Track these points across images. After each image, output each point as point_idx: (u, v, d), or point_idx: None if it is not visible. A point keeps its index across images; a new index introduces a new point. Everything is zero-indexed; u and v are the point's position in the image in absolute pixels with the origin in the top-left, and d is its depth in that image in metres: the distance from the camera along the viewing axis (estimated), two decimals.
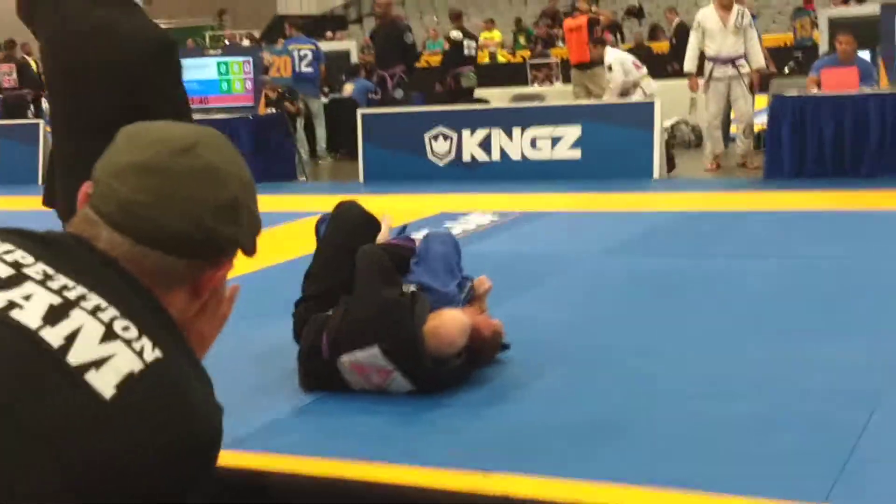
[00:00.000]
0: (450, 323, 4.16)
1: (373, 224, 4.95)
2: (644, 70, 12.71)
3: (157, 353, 1.14)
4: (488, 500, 1.22)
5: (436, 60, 23.14)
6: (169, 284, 1.23)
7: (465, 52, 14.33)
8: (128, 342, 1.12)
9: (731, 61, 10.82)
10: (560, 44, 20.77)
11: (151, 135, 1.27)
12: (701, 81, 11.07)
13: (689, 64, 10.94)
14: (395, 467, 3.61)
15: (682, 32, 18.36)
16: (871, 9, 11.82)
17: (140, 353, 1.13)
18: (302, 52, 13.58)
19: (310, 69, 13.54)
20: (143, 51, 3.25)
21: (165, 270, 1.22)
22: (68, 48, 3.35)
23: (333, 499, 1.32)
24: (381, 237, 4.97)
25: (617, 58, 12.56)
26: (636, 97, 12.19)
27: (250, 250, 1.30)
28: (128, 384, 1.10)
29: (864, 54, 10.86)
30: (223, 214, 1.23)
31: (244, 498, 1.30)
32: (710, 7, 10.96)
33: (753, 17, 13.76)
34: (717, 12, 10.85)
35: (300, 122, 13.61)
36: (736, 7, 10.84)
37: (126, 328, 1.14)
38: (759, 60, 10.96)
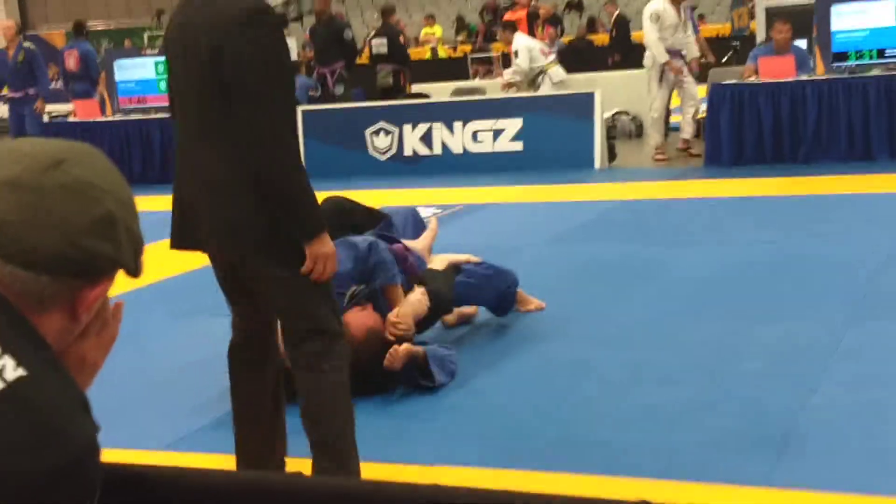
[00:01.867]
0: None
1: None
2: (552, 57, 12.76)
3: (21, 372, 1.07)
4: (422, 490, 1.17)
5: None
6: (43, 306, 1.15)
7: (375, 50, 14.21)
8: None
9: (679, 53, 10.93)
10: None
11: (18, 151, 1.19)
12: (652, 73, 11.09)
13: (663, 55, 10.88)
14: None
15: (621, 24, 18.50)
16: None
17: (0, 372, 1.06)
18: None
19: None
20: (232, 17, 2.92)
21: (38, 291, 1.15)
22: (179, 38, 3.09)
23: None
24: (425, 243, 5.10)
25: (524, 44, 12.58)
26: (545, 86, 12.25)
27: (134, 270, 1.23)
28: None
29: (801, 43, 10.97)
30: (97, 231, 1.17)
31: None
32: (664, 1, 10.90)
33: (692, 8, 13.91)
34: (671, 7, 10.86)
35: None
36: (683, 2, 10.96)
37: None
38: (694, 51, 11.15)
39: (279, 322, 3.21)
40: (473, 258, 5.10)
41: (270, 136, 2.89)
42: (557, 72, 12.53)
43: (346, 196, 5.23)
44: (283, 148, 2.92)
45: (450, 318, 5.06)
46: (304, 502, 1.21)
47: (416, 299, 4.45)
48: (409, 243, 4.93)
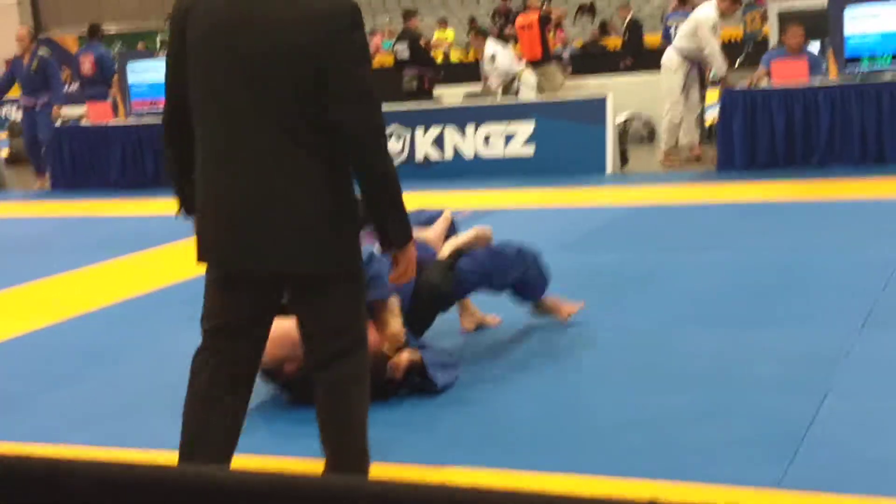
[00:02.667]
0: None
1: None
2: (523, 64, 12.94)
3: None
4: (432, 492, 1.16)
5: (389, 61, 23.12)
6: None
7: (398, 56, 14.24)
8: None
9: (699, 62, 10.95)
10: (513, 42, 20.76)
11: None
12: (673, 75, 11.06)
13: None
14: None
15: (634, 28, 18.48)
16: (820, 2, 11.91)
17: None
18: None
19: None
20: (329, 19, 2.83)
21: None
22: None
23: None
24: (438, 231, 5.00)
25: (500, 49, 12.75)
26: (524, 90, 12.38)
27: None
28: None
29: (814, 47, 10.95)
30: None
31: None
32: (715, 9, 10.77)
33: None
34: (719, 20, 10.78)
35: None
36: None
37: None
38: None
39: (312, 345, 3.05)
40: (483, 234, 4.96)
41: (380, 139, 2.91)
42: (529, 77, 12.62)
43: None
44: (388, 151, 2.96)
45: (467, 323, 5.03)
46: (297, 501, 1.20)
47: (395, 306, 4.32)
48: (420, 233, 4.75)
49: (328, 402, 3.04)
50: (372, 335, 4.15)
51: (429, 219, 5.17)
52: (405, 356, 4.15)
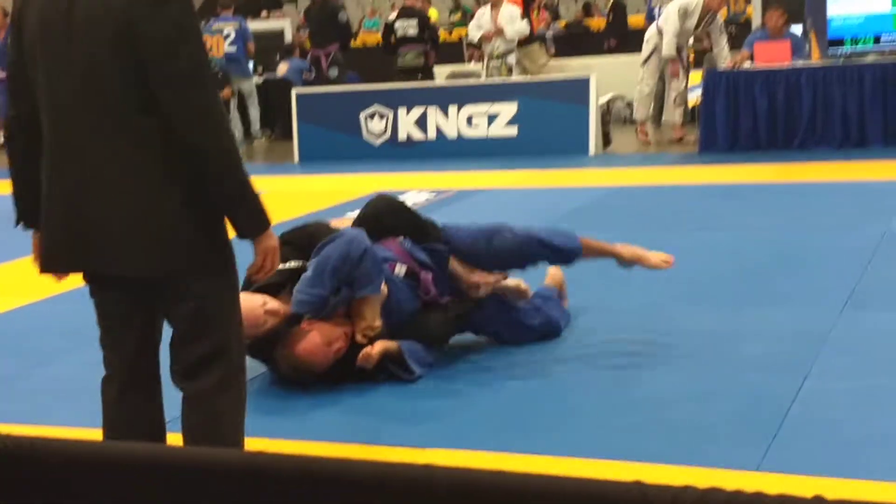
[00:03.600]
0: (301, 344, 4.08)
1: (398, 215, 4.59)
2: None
3: None
4: (414, 472, 1.16)
5: (373, 40, 23.05)
6: None
7: (400, 32, 14.15)
8: None
9: (681, 51, 10.95)
10: None
11: None
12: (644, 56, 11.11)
13: (672, 50, 10.80)
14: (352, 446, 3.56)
15: (618, 9, 18.47)
16: None
17: None
18: (226, 32, 13.34)
19: (233, 48, 13.27)
20: None
21: None
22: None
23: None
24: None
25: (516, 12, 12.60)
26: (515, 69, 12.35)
27: None
28: None
29: (796, 28, 10.97)
30: None
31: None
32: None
33: None
34: (701, 8, 10.75)
35: (233, 103, 13.42)
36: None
37: None
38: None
39: (172, 352, 2.80)
40: (523, 287, 4.73)
41: (212, 121, 2.60)
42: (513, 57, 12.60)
43: (399, 200, 4.83)
44: (226, 134, 2.64)
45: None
46: (264, 480, 1.20)
47: (375, 300, 4.19)
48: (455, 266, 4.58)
49: (192, 416, 2.76)
50: (341, 331, 4.11)
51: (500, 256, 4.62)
52: (378, 347, 4.11)
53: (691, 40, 12.05)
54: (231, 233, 2.74)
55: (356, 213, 4.74)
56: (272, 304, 4.05)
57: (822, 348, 4.24)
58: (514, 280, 4.74)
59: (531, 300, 4.69)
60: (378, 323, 4.16)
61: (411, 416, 3.88)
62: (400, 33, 13.88)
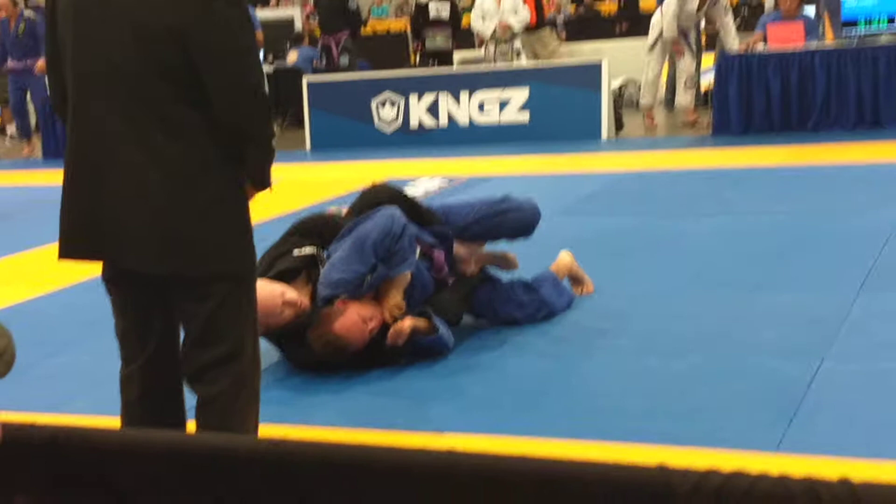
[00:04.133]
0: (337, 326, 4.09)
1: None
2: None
3: None
4: (436, 458, 1.16)
5: (383, 27, 23.02)
6: None
7: (433, 14, 14.09)
8: None
9: (685, 32, 10.87)
10: None
11: None
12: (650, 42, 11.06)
13: (672, 31, 10.77)
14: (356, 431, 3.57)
15: None
16: None
17: None
18: None
19: None
20: None
21: None
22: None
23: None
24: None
25: None
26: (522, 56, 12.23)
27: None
28: None
29: (809, 10, 10.90)
30: None
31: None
32: None
33: None
34: None
35: None
36: None
37: None
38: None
39: (184, 352, 2.78)
40: (510, 256, 4.85)
41: (264, 133, 2.65)
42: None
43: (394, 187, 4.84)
44: (271, 134, 2.71)
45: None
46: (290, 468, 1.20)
47: (401, 280, 4.23)
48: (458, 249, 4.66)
49: (206, 417, 2.73)
50: (374, 311, 4.13)
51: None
52: (408, 322, 4.15)
53: (703, 23, 12.00)
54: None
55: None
56: (291, 294, 4.05)
57: (839, 331, 4.23)
58: (500, 251, 4.82)
59: (524, 281, 4.70)
60: (403, 303, 4.19)
61: (429, 399, 3.88)
62: (433, 15, 13.80)
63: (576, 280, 4.99)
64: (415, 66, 14.50)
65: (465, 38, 16.14)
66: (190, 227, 2.59)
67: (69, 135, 2.68)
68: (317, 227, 4.37)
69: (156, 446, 1.32)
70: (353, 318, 4.06)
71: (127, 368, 2.84)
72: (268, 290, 3.90)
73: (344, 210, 4.63)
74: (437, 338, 4.21)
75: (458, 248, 4.62)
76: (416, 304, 4.29)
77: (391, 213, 4.17)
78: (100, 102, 2.59)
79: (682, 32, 10.87)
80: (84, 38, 2.59)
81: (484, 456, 1.08)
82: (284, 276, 4.11)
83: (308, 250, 4.23)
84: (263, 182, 2.76)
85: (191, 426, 2.79)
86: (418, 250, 4.38)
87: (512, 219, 4.68)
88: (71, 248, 2.71)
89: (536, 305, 4.65)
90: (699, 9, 10.78)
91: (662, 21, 10.86)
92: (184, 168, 2.57)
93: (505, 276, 4.82)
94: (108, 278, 2.80)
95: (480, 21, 12.25)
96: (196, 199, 2.58)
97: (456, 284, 4.56)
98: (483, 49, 12.70)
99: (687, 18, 10.83)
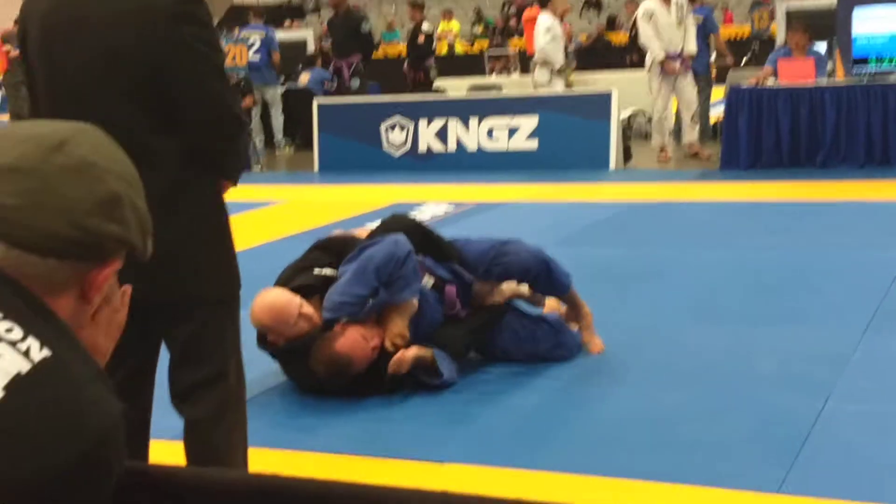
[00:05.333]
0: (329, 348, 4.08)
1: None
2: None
3: (45, 353, 1.07)
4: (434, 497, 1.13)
5: (394, 51, 23.10)
6: (53, 289, 1.15)
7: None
8: (12, 343, 1.06)
9: (678, 56, 10.85)
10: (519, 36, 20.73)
11: (19, 134, 1.18)
12: (651, 74, 11.05)
13: (658, 51, 10.82)
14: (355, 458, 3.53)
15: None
16: (827, 1, 11.86)
17: (26, 353, 1.06)
18: (251, 40, 13.37)
19: (257, 57, 13.28)
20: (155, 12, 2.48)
21: (46, 274, 1.14)
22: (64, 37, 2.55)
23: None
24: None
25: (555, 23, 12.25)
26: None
27: (142, 250, 1.24)
28: (15, 384, 1.03)
29: (820, 46, 10.90)
30: (101, 211, 1.16)
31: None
32: (655, 1, 10.86)
33: (710, 8, 13.82)
34: (661, 6, 10.82)
35: (255, 111, 13.45)
36: (674, 0, 10.85)
37: (9, 330, 1.07)
38: (690, 47, 10.97)
39: (171, 374, 2.75)
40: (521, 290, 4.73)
41: (236, 147, 2.66)
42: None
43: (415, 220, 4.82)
44: (237, 106, 2.67)
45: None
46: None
47: (406, 307, 4.20)
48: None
49: (191, 448, 2.71)
50: (375, 332, 4.12)
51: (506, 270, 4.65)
52: (412, 351, 4.10)
53: (713, 56, 11.99)
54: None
55: (374, 225, 4.71)
56: (308, 308, 4.06)
57: (842, 369, 4.18)
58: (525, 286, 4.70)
59: (546, 320, 4.62)
60: (407, 332, 4.15)
61: (430, 429, 3.85)
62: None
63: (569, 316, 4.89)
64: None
65: (472, 64, 16.17)
66: (171, 251, 2.51)
67: None
68: (338, 247, 4.38)
69: (158, 480, 1.29)
70: (355, 337, 4.04)
71: None
72: (285, 299, 3.94)
73: (363, 232, 4.63)
74: (440, 382, 4.15)
75: (481, 285, 4.58)
76: (422, 335, 4.25)
77: (396, 239, 4.16)
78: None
79: (677, 55, 10.81)
80: (56, 66, 2.57)
81: (478, 497, 1.05)
82: (301, 291, 4.11)
83: (328, 272, 4.25)
84: (236, 179, 2.77)
85: (178, 447, 2.75)
86: (430, 282, 4.36)
87: (515, 262, 4.57)
88: None
89: (556, 351, 4.55)
90: (679, 23, 10.76)
91: (647, 47, 10.87)
92: (162, 194, 2.50)
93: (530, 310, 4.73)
94: None
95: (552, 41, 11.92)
96: (176, 223, 2.55)
97: (468, 318, 4.48)
98: (494, 75, 12.73)
99: (667, 34, 10.75)
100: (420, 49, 14.89)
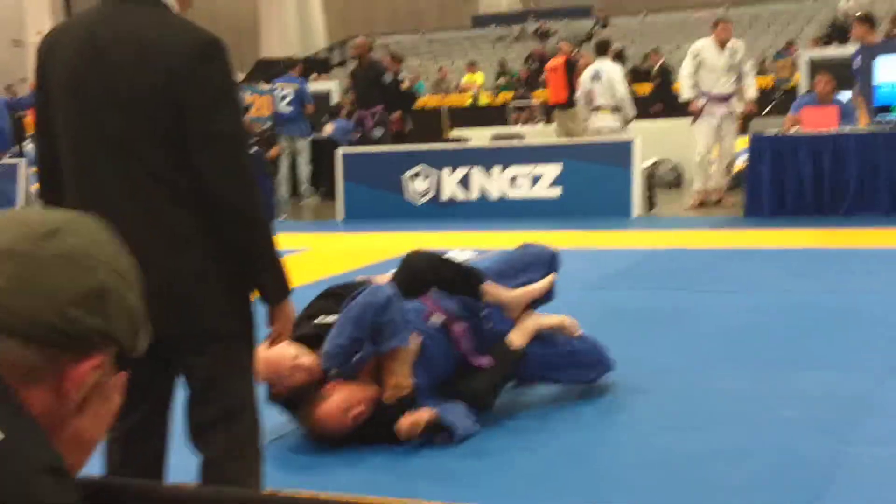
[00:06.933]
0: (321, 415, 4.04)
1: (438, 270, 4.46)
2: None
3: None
4: None
5: (418, 104, 23.25)
6: (31, 377, 1.12)
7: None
8: None
9: (725, 98, 10.87)
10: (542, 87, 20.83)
11: (15, 219, 1.18)
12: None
13: (687, 90, 10.90)
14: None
15: (664, 73, 18.48)
16: (851, 50, 11.88)
17: None
18: (284, 91, 13.53)
19: (289, 108, 13.45)
20: (178, 55, 2.52)
21: (24, 361, 1.12)
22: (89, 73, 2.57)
23: None
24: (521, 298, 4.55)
25: (608, 66, 12.35)
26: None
27: (130, 346, 1.21)
28: None
29: (844, 95, 10.91)
30: (86, 302, 1.14)
31: None
32: (709, 40, 10.96)
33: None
34: (713, 47, 10.88)
35: (285, 162, 13.55)
36: (730, 43, 10.91)
37: None
38: (751, 93, 11.00)
39: (187, 411, 2.73)
40: (571, 325, 4.58)
41: (246, 183, 2.57)
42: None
43: (436, 253, 4.71)
44: (258, 197, 2.61)
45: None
46: None
47: (405, 354, 4.10)
48: (501, 293, 4.47)
49: (204, 482, 2.69)
50: (368, 391, 4.01)
51: (527, 265, 4.71)
52: (424, 415, 4.00)
53: (732, 84, 11.94)
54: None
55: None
56: (305, 359, 4.00)
57: (864, 414, 4.14)
58: (556, 316, 4.59)
59: (577, 340, 4.55)
60: (408, 381, 4.05)
61: (446, 473, 3.82)
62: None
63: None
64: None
65: (496, 115, 16.27)
66: (189, 287, 2.58)
67: (67, 204, 2.61)
68: (345, 294, 4.33)
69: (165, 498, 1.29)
70: (331, 408, 3.96)
71: (111, 433, 2.75)
72: (277, 353, 3.84)
73: (386, 277, 4.55)
74: (449, 429, 4.04)
75: (506, 294, 4.46)
76: (433, 379, 4.18)
77: (375, 289, 4.05)
78: (96, 168, 2.58)
79: (720, 98, 10.83)
80: (78, 107, 2.58)
81: None
82: (304, 341, 4.05)
83: (331, 319, 4.17)
84: (277, 290, 2.68)
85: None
86: (440, 320, 4.27)
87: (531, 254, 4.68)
88: None
89: (596, 367, 4.57)
90: (729, 68, 10.78)
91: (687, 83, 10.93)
92: (182, 230, 2.56)
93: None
94: None
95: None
96: (195, 260, 2.57)
97: (493, 366, 4.33)
98: (519, 125, 12.79)
99: (709, 74, 10.80)
100: (403, 98, 14.75)
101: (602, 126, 11.80)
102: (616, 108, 11.80)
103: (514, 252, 4.82)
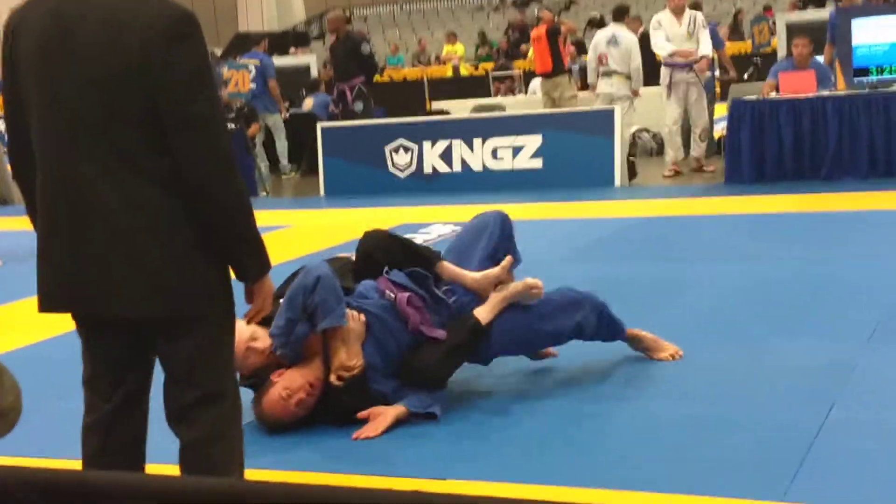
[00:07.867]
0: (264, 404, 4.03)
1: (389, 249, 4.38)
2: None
3: None
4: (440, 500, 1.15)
5: (398, 75, 23.21)
6: None
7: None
8: None
9: (689, 66, 10.91)
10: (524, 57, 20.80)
11: None
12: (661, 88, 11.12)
13: (664, 48, 10.96)
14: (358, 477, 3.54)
15: (644, 42, 18.44)
16: (828, 13, 11.89)
17: None
18: (248, 68, 13.45)
19: (253, 85, 13.35)
20: (150, 33, 2.47)
21: None
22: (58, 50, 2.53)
23: None
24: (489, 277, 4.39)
25: (622, 33, 12.37)
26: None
27: None
28: None
29: (821, 58, 10.93)
30: None
31: None
32: (666, 11, 11.07)
33: (714, 23, 13.85)
34: (672, 18, 10.96)
35: (259, 137, 13.50)
36: (688, 12, 10.98)
37: None
38: (705, 50, 10.99)
39: (165, 394, 2.74)
40: (535, 286, 4.36)
41: (225, 164, 2.55)
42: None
43: (392, 232, 4.60)
44: (237, 177, 2.58)
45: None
46: None
47: (349, 333, 4.01)
48: (466, 276, 4.37)
49: (186, 464, 2.70)
50: (310, 375, 3.97)
51: (479, 231, 4.66)
52: (390, 417, 3.97)
53: (717, 71, 12.05)
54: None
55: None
56: (260, 343, 3.98)
57: (848, 380, 4.18)
58: (520, 283, 4.41)
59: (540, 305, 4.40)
60: (355, 361, 4.00)
61: (427, 446, 3.85)
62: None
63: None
64: None
65: (477, 86, 16.21)
66: (169, 270, 2.57)
67: (40, 186, 2.62)
68: None
69: (153, 490, 1.30)
70: (275, 396, 3.94)
71: (89, 417, 2.80)
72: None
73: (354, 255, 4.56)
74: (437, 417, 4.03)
75: (470, 276, 4.36)
76: (387, 358, 4.10)
77: (307, 270, 4.02)
78: (71, 151, 2.55)
79: (684, 66, 10.90)
80: (49, 87, 2.54)
81: (452, 496, 1.06)
82: (266, 323, 3.94)
83: None
84: (256, 267, 2.69)
85: (175, 471, 2.77)
86: (394, 296, 4.15)
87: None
88: (50, 301, 2.67)
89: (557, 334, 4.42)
90: (690, 35, 10.85)
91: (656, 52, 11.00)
92: (160, 213, 2.55)
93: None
94: (84, 325, 2.76)
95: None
96: (174, 242, 2.56)
97: (446, 339, 4.16)
98: (499, 96, 12.78)
99: (679, 44, 10.86)
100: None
101: (613, 92, 11.84)
102: (628, 77, 11.89)
103: (465, 225, 4.79)
